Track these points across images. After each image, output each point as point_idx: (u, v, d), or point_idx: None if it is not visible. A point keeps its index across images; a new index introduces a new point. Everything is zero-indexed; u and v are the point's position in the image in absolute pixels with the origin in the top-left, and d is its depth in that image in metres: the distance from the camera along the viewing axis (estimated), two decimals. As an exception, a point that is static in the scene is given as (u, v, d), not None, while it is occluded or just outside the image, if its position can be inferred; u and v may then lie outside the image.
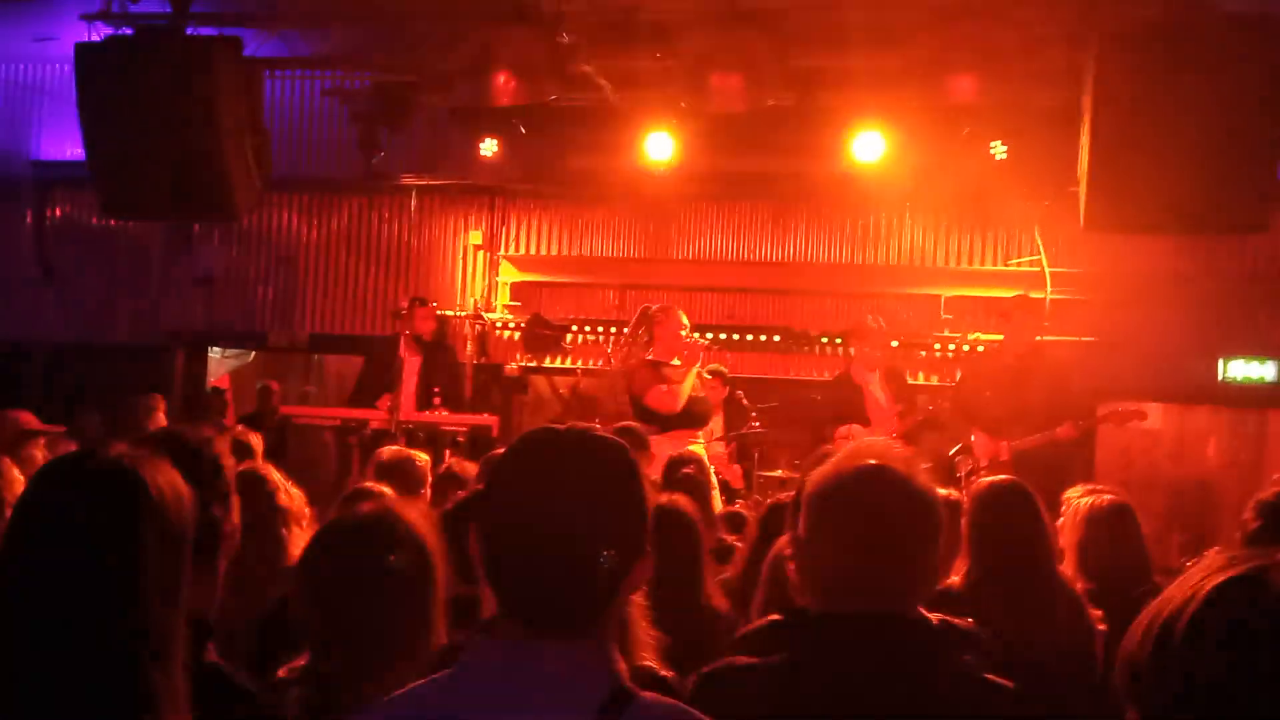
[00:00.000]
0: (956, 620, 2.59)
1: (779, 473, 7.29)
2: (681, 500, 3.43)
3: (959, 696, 1.88)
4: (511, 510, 1.50)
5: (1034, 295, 6.79)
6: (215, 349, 10.33)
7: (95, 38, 6.56)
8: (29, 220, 9.82)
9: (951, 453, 7.00)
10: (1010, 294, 7.10)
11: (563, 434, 1.55)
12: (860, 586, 1.89)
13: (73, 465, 1.71)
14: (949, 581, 3.46)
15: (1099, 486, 4.27)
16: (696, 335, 7.01)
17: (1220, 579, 1.24)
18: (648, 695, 1.50)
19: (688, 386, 6.66)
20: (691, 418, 6.75)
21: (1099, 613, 3.49)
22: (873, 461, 1.93)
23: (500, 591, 1.51)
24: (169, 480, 1.68)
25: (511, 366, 9.12)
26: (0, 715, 1.55)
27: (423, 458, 4.86)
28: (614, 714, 1.43)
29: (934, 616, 1.96)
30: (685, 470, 4.78)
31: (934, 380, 8.45)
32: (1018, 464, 6.36)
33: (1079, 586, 3.74)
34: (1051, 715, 2.10)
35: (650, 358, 6.79)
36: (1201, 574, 1.25)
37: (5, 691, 1.55)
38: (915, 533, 1.91)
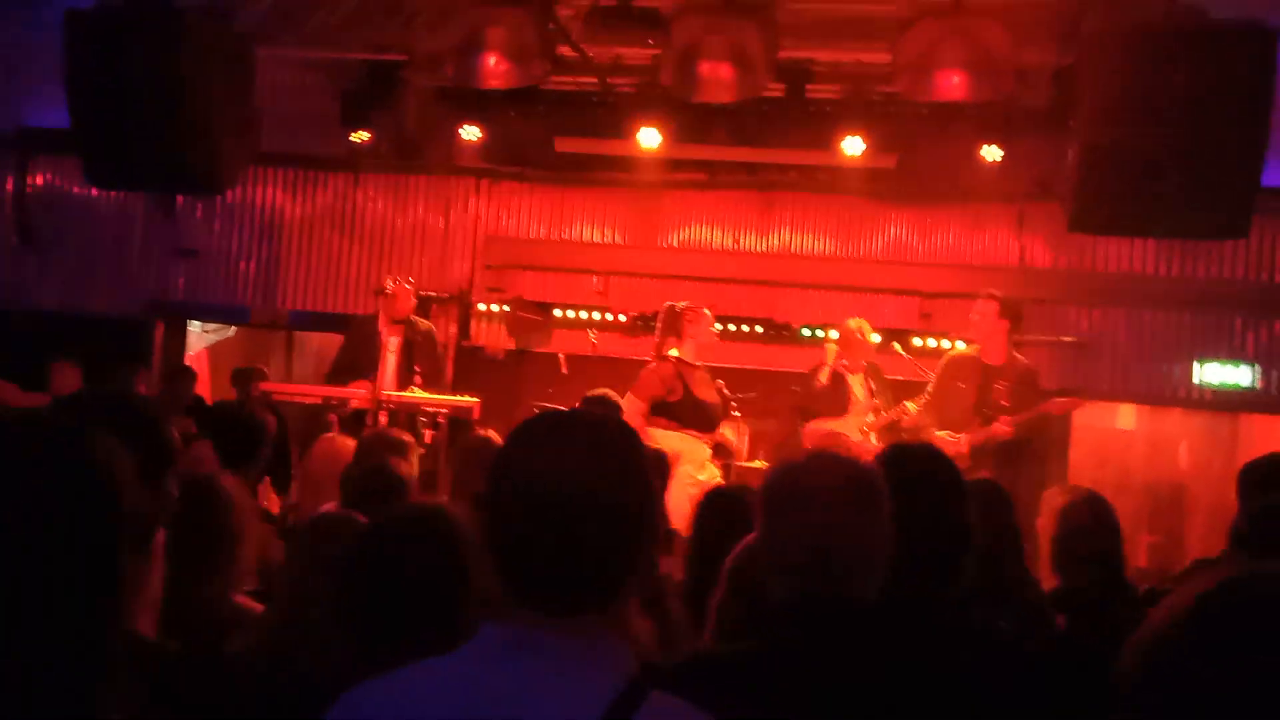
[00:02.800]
0: None
1: (758, 463, 7.32)
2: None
3: (924, 673, 1.95)
4: (514, 490, 1.48)
5: (1009, 297, 6.81)
6: (195, 323, 10.28)
7: (85, 3, 6.50)
8: (10, 186, 9.75)
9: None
10: (988, 294, 7.13)
11: (566, 414, 1.58)
12: (814, 572, 1.96)
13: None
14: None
15: (1074, 486, 4.33)
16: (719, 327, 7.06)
17: (1199, 590, 1.25)
18: (659, 693, 1.45)
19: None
20: (708, 421, 6.73)
21: (1060, 617, 3.54)
22: (815, 451, 2.10)
23: (505, 575, 1.48)
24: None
25: (493, 349, 9.12)
26: None
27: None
28: (625, 710, 1.39)
29: None
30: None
31: (911, 378, 8.49)
32: (975, 461, 6.41)
33: (1047, 585, 3.79)
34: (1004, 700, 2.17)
35: (677, 356, 6.72)
36: (1187, 589, 1.27)
37: None
38: (858, 514, 1.99)
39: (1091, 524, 3.87)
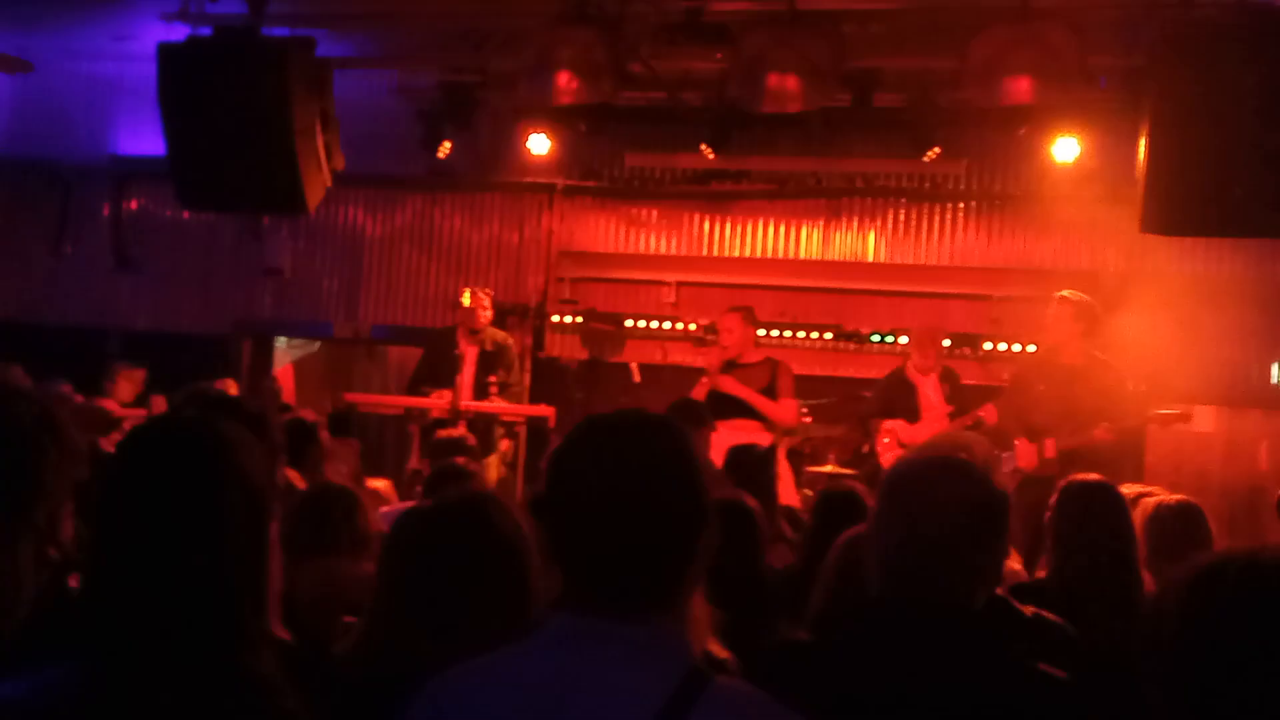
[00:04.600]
0: (1047, 614, 2.65)
1: (828, 468, 7.38)
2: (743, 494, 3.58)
3: (1005, 684, 1.91)
4: (572, 485, 1.53)
5: (1084, 300, 6.79)
6: (281, 339, 10.59)
7: (173, 36, 6.80)
8: (106, 212, 10.16)
9: (1004, 454, 7.05)
10: (1061, 297, 7.11)
11: (619, 414, 1.61)
12: (919, 576, 1.93)
13: (157, 430, 1.68)
14: (1036, 576, 3.52)
15: (1153, 488, 4.31)
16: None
17: (1189, 573, 1.34)
18: (722, 679, 1.48)
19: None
20: (744, 410, 6.95)
21: None
22: (943, 455, 1.98)
23: (566, 569, 1.53)
24: (248, 441, 1.64)
25: (567, 360, 9.28)
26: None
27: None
28: (689, 697, 1.41)
29: (1027, 609, 2.01)
30: (752, 456, 4.89)
31: (984, 381, 8.48)
32: (1065, 464, 6.38)
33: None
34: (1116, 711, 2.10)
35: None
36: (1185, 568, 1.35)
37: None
38: (976, 529, 1.94)
39: (1181, 534, 3.83)
